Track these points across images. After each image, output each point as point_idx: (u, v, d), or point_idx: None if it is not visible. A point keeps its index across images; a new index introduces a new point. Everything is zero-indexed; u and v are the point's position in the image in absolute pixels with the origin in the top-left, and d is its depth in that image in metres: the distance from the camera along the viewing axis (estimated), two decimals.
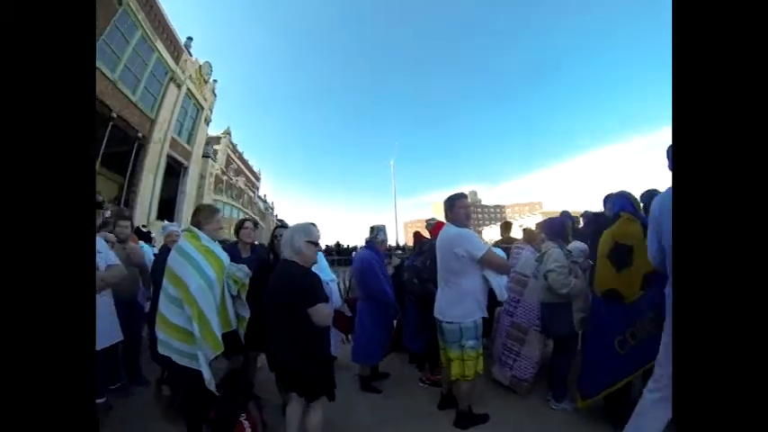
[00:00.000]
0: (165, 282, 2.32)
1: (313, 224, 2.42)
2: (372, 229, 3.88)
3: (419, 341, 3.68)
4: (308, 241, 2.27)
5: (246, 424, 2.49)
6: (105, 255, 2.41)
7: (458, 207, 2.84)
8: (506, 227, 5.92)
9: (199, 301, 2.20)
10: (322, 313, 2.13)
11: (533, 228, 4.44)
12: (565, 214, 4.35)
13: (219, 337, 2.25)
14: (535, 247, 3.68)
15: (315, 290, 2.15)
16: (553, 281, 2.94)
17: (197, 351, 2.20)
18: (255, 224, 3.37)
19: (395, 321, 4.25)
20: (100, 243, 2.37)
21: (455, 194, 2.91)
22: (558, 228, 3.32)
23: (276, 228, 3.41)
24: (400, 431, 2.84)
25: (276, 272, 2.29)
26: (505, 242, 5.11)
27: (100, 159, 12.61)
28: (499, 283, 2.74)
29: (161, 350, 2.27)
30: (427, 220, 4.20)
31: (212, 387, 2.21)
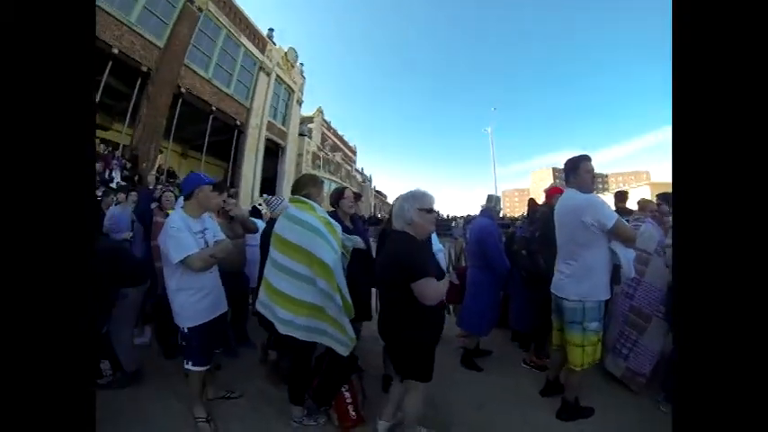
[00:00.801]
0: (284, 258, 2.26)
1: (426, 192, 2.18)
2: (490, 198, 3.73)
3: (526, 320, 3.56)
4: (421, 209, 2.06)
5: (347, 395, 2.48)
6: (213, 230, 2.49)
7: (583, 170, 2.53)
8: (621, 197, 5.25)
9: (336, 274, 2.17)
10: (426, 288, 1.90)
11: (644, 199, 4.05)
12: None
13: (351, 304, 2.28)
14: (658, 220, 3.32)
15: (420, 264, 1.95)
16: None
17: (326, 326, 2.24)
18: (357, 196, 3.29)
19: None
20: (207, 220, 2.46)
21: (578, 156, 2.59)
22: None
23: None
24: (499, 415, 2.66)
25: (386, 244, 2.22)
26: (620, 214, 4.73)
27: (205, 149, 14.99)
28: (628, 257, 2.44)
29: (283, 330, 2.23)
30: (546, 189, 4.00)
31: (348, 351, 2.28)
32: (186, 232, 2.27)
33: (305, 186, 2.44)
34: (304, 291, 2.21)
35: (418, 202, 2.07)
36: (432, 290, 1.92)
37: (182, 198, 2.55)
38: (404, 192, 2.20)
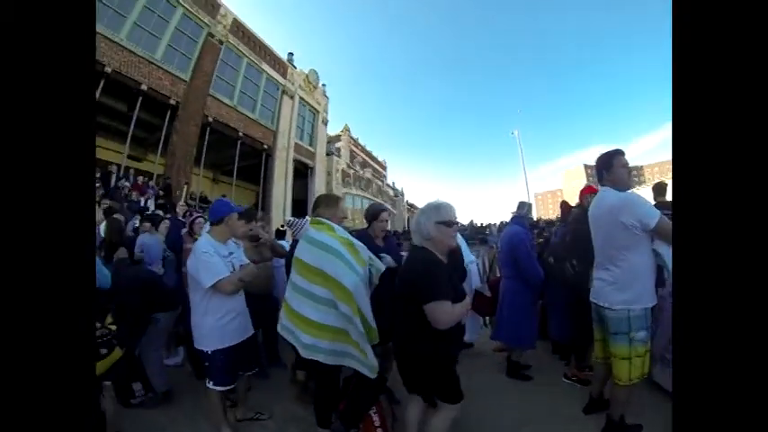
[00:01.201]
0: (304, 282, 2.19)
1: (444, 202, 2.04)
2: (522, 204, 3.64)
3: (565, 330, 3.36)
4: (439, 222, 1.92)
5: (376, 418, 2.38)
6: (238, 255, 2.51)
7: (617, 166, 2.34)
8: (660, 189, 4.72)
9: (357, 297, 2.05)
10: (435, 312, 1.78)
11: None
12: None
13: (375, 328, 2.15)
14: None
15: (431, 286, 1.81)
16: None
17: (350, 349, 2.12)
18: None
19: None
20: (231, 245, 2.51)
21: (611, 151, 2.40)
22: None
23: None
24: None
25: (405, 261, 2.16)
26: (660, 209, 4.33)
27: (235, 173, 15.48)
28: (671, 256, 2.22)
29: (306, 354, 2.14)
30: (582, 189, 3.78)
31: (374, 374, 2.10)
32: (217, 257, 2.31)
33: (317, 206, 2.42)
34: (326, 314, 2.13)
35: (435, 214, 1.94)
36: (443, 314, 1.79)
37: (207, 224, 2.62)
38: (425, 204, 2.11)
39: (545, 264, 3.46)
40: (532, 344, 3.44)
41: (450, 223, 1.95)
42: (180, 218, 3.81)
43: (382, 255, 2.61)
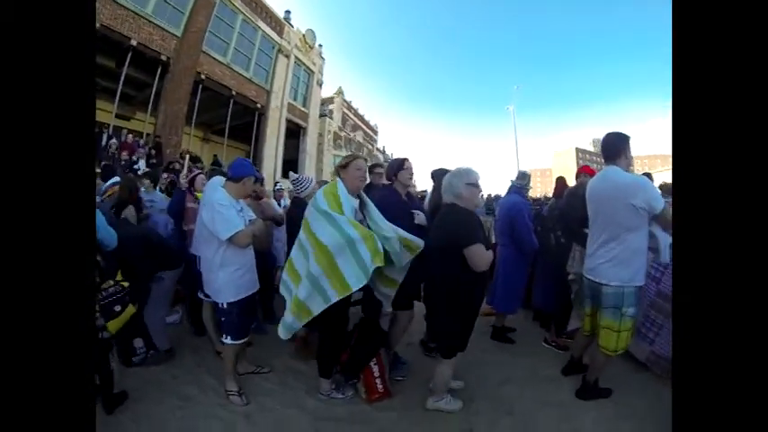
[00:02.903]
0: (307, 243, 2.31)
1: (472, 168, 2.33)
2: (523, 174, 3.70)
3: (550, 299, 3.55)
4: (468, 183, 2.26)
5: (375, 369, 2.56)
6: (246, 212, 2.54)
7: (628, 150, 2.48)
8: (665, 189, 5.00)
9: (334, 253, 2.15)
10: (478, 254, 2.09)
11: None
12: None
13: (349, 280, 2.15)
14: None
15: (472, 230, 2.14)
16: None
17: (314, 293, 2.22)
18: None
19: None
20: (240, 203, 2.52)
21: (623, 135, 2.49)
22: None
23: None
24: (519, 392, 2.73)
25: (437, 217, 2.39)
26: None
27: (227, 133, 15.48)
28: (666, 242, 2.43)
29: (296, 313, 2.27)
30: (578, 170, 3.91)
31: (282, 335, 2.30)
32: (233, 210, 2.36)
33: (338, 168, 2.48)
34: (302, 264, 2.32)
35: (466, 177, 2.28)
36: (481, 256, 2.11)
37: (219, 178, 2.60)
38: (436, 168, 2.66)
39: (535, 234, 3.55)
40: (516, 310, 3.66)
41: (477, 184, 2.30)
42: (181, 186, 3.86)
43: (415, 212, 2.75)
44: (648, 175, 4.98)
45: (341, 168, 2.44)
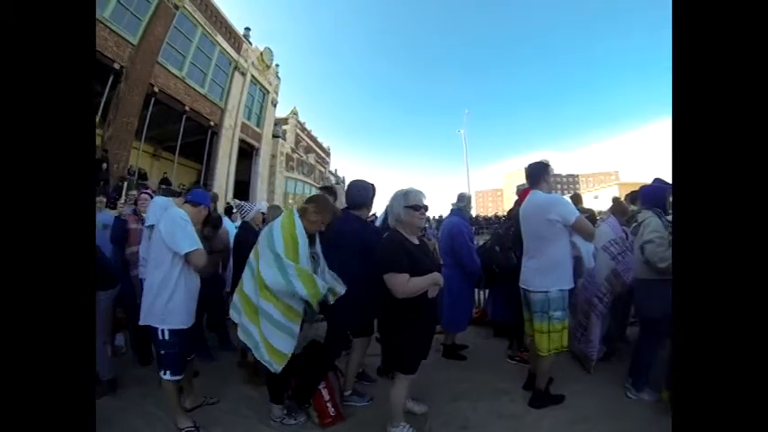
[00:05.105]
0: (252, 263, 2.34)
1: (413, 189, 2.27)
2: (462, 196, 3.83)
3: (506, 312, 3.61)
4: (407, 206, 2.20)
5: (325, 393, 2.55)
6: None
7: (549, 175, 2.79)
8: (576, 199, 5.52)
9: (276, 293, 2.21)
10: (391, 282, 2.04)
11: (618, 199, 4.17)
12: (659, 181, 3.64)
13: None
14: (621, 221, 3.49)
15: (391, 257, 2.08)
16: (651, 253, 2.62)
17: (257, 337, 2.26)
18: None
19: (480, 293, 4.38)
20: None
21: (543, 162, 2.82)
22: (659, 195, 2.95)
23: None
24: (474, 407, 2.75)
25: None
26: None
27: (178, 149, 14.46)
28: (588, 249, 2.64)
29: (240, 335, 2.37)
30: (518, 186, 4.13)
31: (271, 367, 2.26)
32: (193, 228, 2.31)
33: (306, 202, 2.45)
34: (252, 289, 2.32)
35: (403, 200, 2.21)
36: (397, 284, 2.03)
37: (165, 199, 2.61)
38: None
39: (489, 252, 3.68)
40: (464, 327, 3.77)
41: (418, 207, 2.21)
42: (122, 217, 3.64)
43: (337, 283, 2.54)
44: (577, 196, 5.58)
45: (303, 210, 2.38)
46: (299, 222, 2.29)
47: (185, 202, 2.50)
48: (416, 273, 2.08)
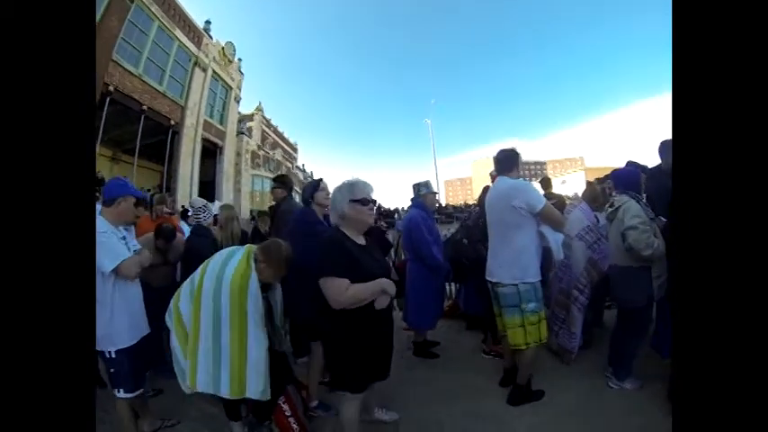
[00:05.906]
0: (196, 281, 2.09)
1: (359, 180, 1.97)
2: (417, 186, 3.61)
3: (478, 304, 3.41)
4: (353, 200, 1.87)
5: (285, 407, 2.41)
6: (130, 240, 2.29)
7: (519, 161, 2.65)
8: (546, 183, 5.73)
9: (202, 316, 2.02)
10: (325, 287, 1.76)
11: (592, 183, 4.00)
12: (632, 164, 3.49)
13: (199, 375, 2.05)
14: (593, 207, 3.33)
15: (326, 261, 1.79)
16: (635, 240, 2.43)
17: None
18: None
19: (452, 285, 4.20)
20: (121, 231, 2.26)
21: (511, 149, 2.66)
22: (633, 179, 2.78)
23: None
24: (449, 409, 2.64)
25: None
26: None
27: (137, 152, 13.68)
28: (557, 240, 2.48)
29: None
30: (491, 173, 3.83)
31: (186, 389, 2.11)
32: (114, 237, 2.11)
33: (261, 250, 2.15)
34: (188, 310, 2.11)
35: (349, 192, 1.89)
36: (333, 291, 1.75)
37: (99, 204, 2.32)
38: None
39: (459, 245, 3.63)
40: (434, 325, 3.60)
41: (366, 201, 1.90)
42: None
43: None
44: (546, 180, 5.63)
45: (255, 259, 2.10)
46: (253, 279, 2.02)
47: (100, 203, 2.25)
48: (359, 278, 1.78)
